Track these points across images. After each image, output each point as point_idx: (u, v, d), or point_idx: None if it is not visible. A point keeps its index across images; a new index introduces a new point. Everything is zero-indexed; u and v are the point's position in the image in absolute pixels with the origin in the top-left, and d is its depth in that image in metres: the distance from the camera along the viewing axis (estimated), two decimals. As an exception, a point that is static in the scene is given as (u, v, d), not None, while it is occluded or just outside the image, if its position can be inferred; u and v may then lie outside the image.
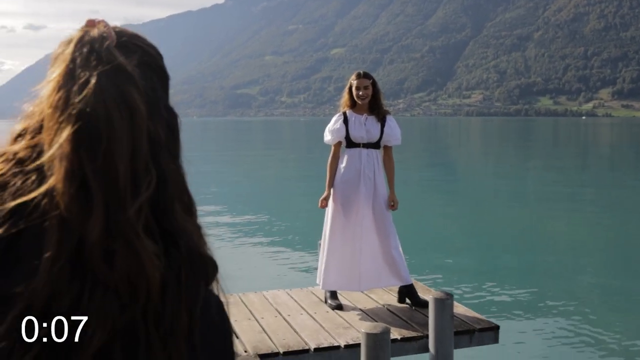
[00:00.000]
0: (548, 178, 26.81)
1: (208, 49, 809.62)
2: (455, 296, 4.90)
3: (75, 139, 0.69)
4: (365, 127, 5.15)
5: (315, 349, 4.35)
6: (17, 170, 0.74)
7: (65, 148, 0.69)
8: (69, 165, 0.69)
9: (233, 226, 15.39)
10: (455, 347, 4.50)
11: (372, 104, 5.18)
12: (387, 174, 5.32)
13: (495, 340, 4.78)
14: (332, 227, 5.18)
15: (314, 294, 5.57)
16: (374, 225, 5.15)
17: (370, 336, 3.70)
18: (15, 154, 0.75)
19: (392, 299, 5.39)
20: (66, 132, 0.69)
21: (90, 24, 0.79)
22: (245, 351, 4.27)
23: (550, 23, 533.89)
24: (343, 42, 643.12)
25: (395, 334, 4.55)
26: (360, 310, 5.12)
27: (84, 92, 0.70)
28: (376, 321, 4.72)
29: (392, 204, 5.21)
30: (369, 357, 3.72)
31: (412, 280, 5.34)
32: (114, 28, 0.79)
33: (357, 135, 5.15)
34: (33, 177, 0.72)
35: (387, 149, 5.30)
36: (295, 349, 4.34)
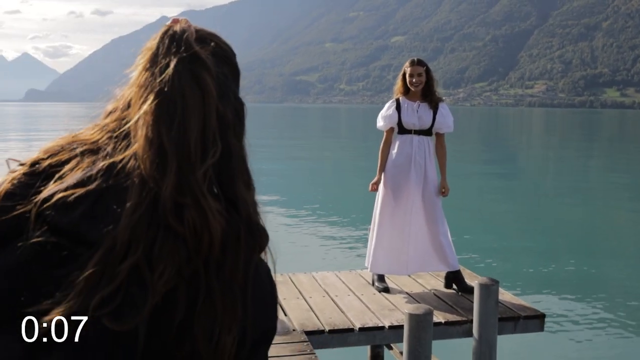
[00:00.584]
0: (611, 173, 25.98)
1: (268, 35, 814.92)
2: (503, 283, 4.92)
3: (155, 111, 0.81)
4: (417, 114, 5.19)
5: (360, 329, 4.47)
6: (108, 138, 0.87)
7: (146, 118, 0.81)
8: (148, 133, 0.81)
9: (286, 209, 15.64)
10: (500, 333, 4.53)
11: (425, 91, 5.21)
12: (439, 161, 5.34)
13: (541, 328, 4.78)
14: (382, 211, 5.26)
15: (362, 276, 5.67)
16: (423, 211, 5.21)
17: (413, 317, 3.78)
18: (106, 125, 0.89)
19: (439, 284, 5.45)
20: (147, 105, 0.82)
21: (175, 21, 0.92)
22: (294, 329, 4.41)
23: (620, 12, 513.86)
24: (404, 29, 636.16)
25: (440, 317, 4.62)
26: (407, 294, 5.20)
27: (164, 74, 0.83)
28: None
29: (443, 191, 5.24)
30: (412, 337, 3.80)
31: (460, 266, 5.37)
32: (195, 27, 0.92)
33: (409, 121, 5.20)
34: (121, 144, 0.85)
35: (439, 136, 5.32)
36: (341, 327, 4.46)
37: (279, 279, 5.61)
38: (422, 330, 3.78)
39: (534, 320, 4.75)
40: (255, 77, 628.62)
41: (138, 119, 0.82)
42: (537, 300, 8.21)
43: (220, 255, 0.81)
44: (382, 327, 4.50)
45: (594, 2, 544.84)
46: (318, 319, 4.60)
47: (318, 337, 4.38)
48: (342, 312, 4.75)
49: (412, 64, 5.18)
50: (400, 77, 5.29)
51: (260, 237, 0.87)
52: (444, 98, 5.40)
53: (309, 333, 4.35)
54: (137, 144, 0.82)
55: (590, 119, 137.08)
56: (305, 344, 4.10)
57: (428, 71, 5.21)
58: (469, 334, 4.56)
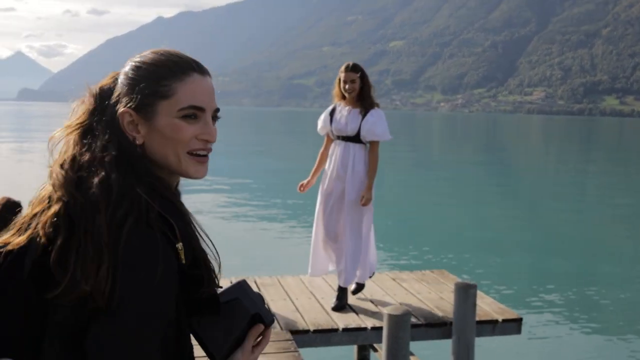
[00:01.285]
0: (607, 184, 26.00)
1: (266, 38, 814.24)
2: (484, 288, 5.10)
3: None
4: (345, 120, 5.07)
5: (344, 329, 4.65)
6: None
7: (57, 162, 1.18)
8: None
9: (277, 215, 15.85)
10: (478, 336, 4.71)
11: (360, 97, 5.06)
12: (368, 169, 5.09)
13: (518, 331, 4.96)
14: (316, 215, 5.31)
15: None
16: (341, 221, 5.17)
17: (392, 317, 3.97)
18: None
19: (422, 287, 5.64)
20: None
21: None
22: (282, 328, 4.59)
23: (619, 19, 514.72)
24: (402, 34, 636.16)
25: (421, 319, 4.80)
26: (391, 296, 5.39)
27: None
28: (404, 307, 4.96)
29: (362, 200, 5.02)
30: (390, 336, 3.99)
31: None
32: (105, 81, 1.25)
33: (335, 127, 5.13)
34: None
35: (373, 144, 5.08)
36: (325, 327, 4.64)
37: (267, 281, 5.79)
38: (401, 330, 3.96)
39: (511, 324, 4.93)
40: (252, 80, 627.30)
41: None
42: (516, 304, 8.42)
43: (90, 224, 1.06)
44: (365, 328, 4.68)
45: (594, 9, 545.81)
46: (303, 319, 4.78)
47: (303, 337, 4.56)
48: (327, 313, 4.93)
49: (346, 69, 5.02)
50: (336, 82, 5.15)
51: (129, 207, 1.08)
52: (378, 104, 5.12)
53: (294, 332, 4.53)
54: None
55: (590, 127, 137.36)
56: (289, 342, 4.28)
57: (363, 77, 5.04)
58: (448, 335, 4.74)
